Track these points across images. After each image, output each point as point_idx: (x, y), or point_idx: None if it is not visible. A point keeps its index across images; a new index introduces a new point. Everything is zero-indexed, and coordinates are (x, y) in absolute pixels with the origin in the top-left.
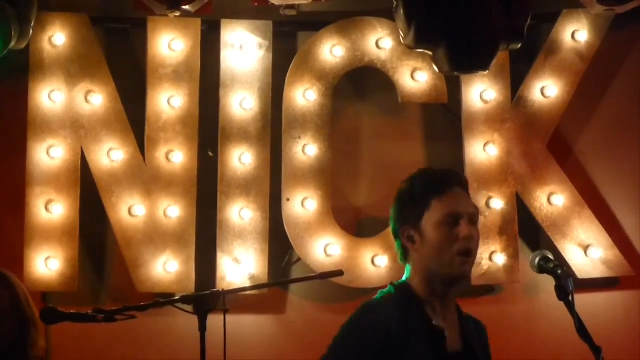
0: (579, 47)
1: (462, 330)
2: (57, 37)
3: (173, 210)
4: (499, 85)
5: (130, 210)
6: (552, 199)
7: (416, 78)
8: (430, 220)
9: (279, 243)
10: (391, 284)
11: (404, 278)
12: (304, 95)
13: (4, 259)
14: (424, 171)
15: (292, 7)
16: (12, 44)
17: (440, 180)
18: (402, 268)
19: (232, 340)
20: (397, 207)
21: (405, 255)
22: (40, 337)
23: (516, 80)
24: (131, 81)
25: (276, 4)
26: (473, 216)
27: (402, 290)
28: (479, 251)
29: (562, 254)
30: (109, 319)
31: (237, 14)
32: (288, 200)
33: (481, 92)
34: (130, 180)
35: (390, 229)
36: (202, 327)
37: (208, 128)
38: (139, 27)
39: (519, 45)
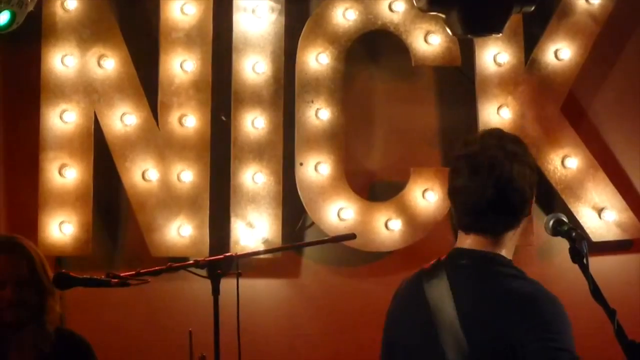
0: (592, 9)
1: None
2: (69, 2)
3: (186, 175)
4: (512, 48)
5: (143, 175)
6: (566, 162)
7: (429, 41)
8: None
9: (292, 207)
10: None
11: None
12: (317, 59)
13: (19, 224)
14: None
15: None
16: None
17: None
18: (417, 231)
19: (245, 304)
20: None
21: None
22: (56, 303)
23: (529, 43)
24: (144, 45)
25: None
26: None
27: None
28: None
29: (576, 216)
30: (122, 283)
31: None
32: (301, 164)
33: (494, 55)
34: (144, 144)
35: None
36: (216, 291)
37: (221, 92)
38: None
39: (532, 8)
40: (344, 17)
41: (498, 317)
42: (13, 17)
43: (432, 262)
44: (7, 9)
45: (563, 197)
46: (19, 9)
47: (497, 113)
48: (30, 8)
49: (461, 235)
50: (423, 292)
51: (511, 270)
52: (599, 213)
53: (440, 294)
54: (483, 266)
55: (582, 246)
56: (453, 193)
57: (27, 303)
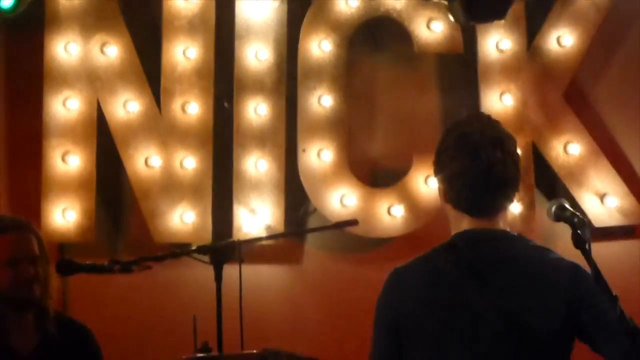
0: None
1: None
2: None
3: (189, 162)
4: (514, 35)
5: (146, 162)
6: (569, 148)
7: (432, 28)
8: None
9: (295, 194)
10: None
11: None
12: (319, 46)
13: (22, 211)
14: None
15: None
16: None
17: None
18: (420, 217)
19: (248, 291)
20: None
21: None
22: (53, 277)
23: (532, 30)
24: (146, 33)
25: None
26: None
27: None
28: None
29: (579, 202)
30: (125, 269)
31: None
32: (304, 151)
33: (497, 42)
34: (147, 131)
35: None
36: (219, 278)
37: (223, 79)
38: None
39: None
40: (347, 4)
41: (548, 286)
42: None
43: (437, 246)
44: None
45: (565, 183)
46: None
47: (499, 100)
48: None
49: (465, 217)
50: (446, 275)
51: (535, 243)
52: (601, 199)
53: (469, 274)
54: (508, 243)
55: (584, 232)
56: (455, 176)
57: (41, 279)
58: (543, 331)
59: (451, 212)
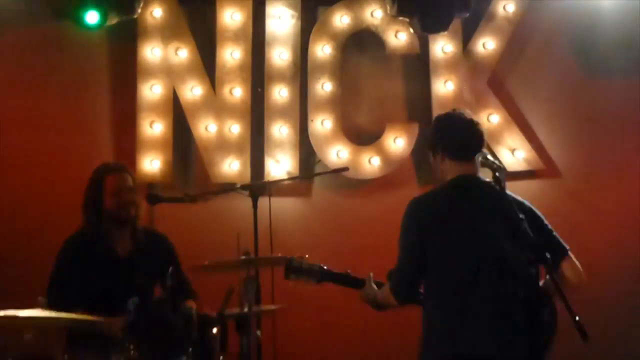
0: (508, 15)
1: None
2: (155, 12)
3: (235, 128)
4: (454, 41)
5: (206, 128)
6: (490, 118)
7: (398, 37)
8: None
9: (306, 150)
10: None
11: None
12: (322, 50)
13: (123, 160)
14: None
15: None
16: (114, 20)
17: None
18: (390, 165)
19: (275, 215)
20: None
21: None
22: (143, 203)
23: (466, 38)
24: (206, 41)
25: None
26: None
27: None
28: None
29: (497, 154)
30: (192, 200)
31: None
32: (312, 121)
33: (442, 46)
34: (206, 107)
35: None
36: (255, 206)
37: (257, 72)
38: (210, 5)
39: (467, 14)
40: (341, 21)
41: (531, 219)
42: (104, 17)
43: (443, 184)
44: (93, 7)
45: (488, 142)
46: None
47: (444, 86)
48: (136, 15)
49: (457, 164)
50: (466, 205)
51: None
52: (512, 152)
53: (479, 208)
54: (484, 183)
55: (501, 174)
56: (461, 136)
57: (135, 204)
58: (519, 243)
59: (446, 164)
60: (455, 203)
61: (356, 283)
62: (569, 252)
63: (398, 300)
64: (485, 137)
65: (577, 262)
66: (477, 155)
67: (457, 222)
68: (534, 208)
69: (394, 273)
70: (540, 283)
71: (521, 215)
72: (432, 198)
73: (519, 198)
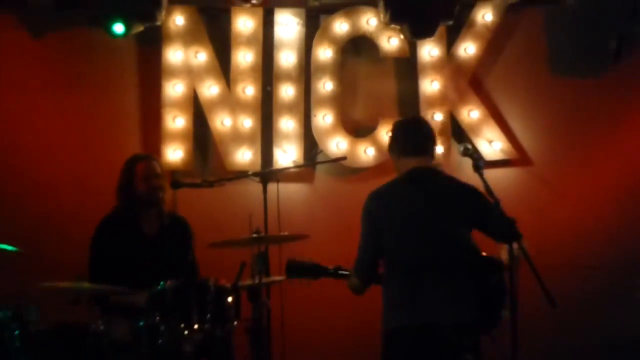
0: (487, 23)
1: None
2: (177, 20)
3: (247, 122)
4: (439, 46)
5: (222, 122)
6: (471, 113)
7: (390, 42)
8: None
9: (309, 141)
10: None
11: None
12: (324, 53)
13: (150, 150)
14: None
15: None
16: (139, 29)
17: None
18: (383, 155)
19: (282, 199)
20: None
21: None
22: (168, 189)
23: (450, 43)
24: (222, 45)
25: None
26: None
27: None
28: (439, 139)
29: (477, 145)
30: (210, 185)
31: (284, 4)
32: (314, 116)
33: (429, 50)
34: (222, 104)
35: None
36: (265, 191)
37: (267, 73)
38: (225, 13)
39: (451, 22)
40: (340, 28)
41: (471, 202)
42: (128, 27)
43: (397, 177)
44: (118, 18)
45: (468, 134)
46: (149, 23)
47: (430, 85)
48: (158, 23)
49: (410, 159)
50: (413, 196)
51: (447, 174)
52: (490, 143)
53: (426, 195)
54: (437, 174)
55: (480, 163)
56: (409, 136)
57: (162, 189)
58: (465, 222)
59: (402, 161)
60: (407, 191)
61: (346, 276)
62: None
63: (361, 282)
64: (435, 135)
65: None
66: (459, 146)
67: (406, 207)
68: (480, 193)
69: (356, 260)
70: (503, 255)
71: (467, 198)
72: (386, 190)
73: (469, 184)
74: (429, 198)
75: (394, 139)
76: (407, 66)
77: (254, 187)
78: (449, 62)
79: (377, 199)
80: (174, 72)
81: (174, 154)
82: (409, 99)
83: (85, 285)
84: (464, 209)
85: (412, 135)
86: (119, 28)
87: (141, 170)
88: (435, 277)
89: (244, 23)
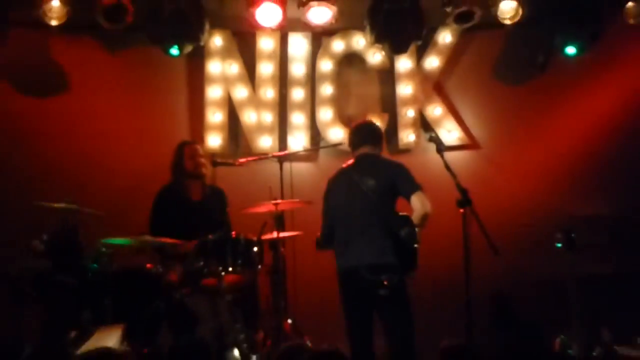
0: (447, 43)
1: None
2: (216, 40)
3: (268, 117)
4: (411, 60)
5: (249, 117)
6: (434, 110)
7: (375, 57)
8: None
9: (314, 130)
10: None
11: None
12: (325, 65)
13: (196, 138)
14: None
15: (320, 26)
16: (189, 49)
17: None
18: None
19: (295, 174)
20: None
21: None
22: (209, 166)
23: (419, 56)
24: (249, 60)
25: (312, 25)
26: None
27: None
28: (411, 130)
29: (439, 134)
30: (240, 164)
31: (295, 29)
32: (318, 112)
33: (403, 63)
34: (249, 103)
35: None
36: (281, 169)
37: (283, 80)
38: (252, 35)
39: (420, 42)
40: (337, 46)
41: (388, 173)
42: (181, 50)
43: (348, 163)
44: (174, 44)
45: (433, 125)
46: (196, 42)
47: (404, 89)
48: (202, 43)
49: (358, 150)
50: (350, 175)
51: (384, 157)
52: (449, 132)
53: (360, 173)
54: (377, 157)
55: (441, 147)
56: (357, 135)
57: (204, 166)
58: (383, 190)
59: (354, 152)
60: (350, 173)
61: None
62: (419, 190)
63: (322, 242)
64: (380, 132)
65: (424, 197)
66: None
67: (344, 185)
68: (404, 168)
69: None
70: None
71: (389, 170)
72: (338, 173)
73: (396, 161)
74: (361, 174)
75: (350, 137)
76: (387, 75)
77: (273, 166)
78: (418, 72)
79: (329, 183)
80: (213, 80)
81: (214, 141)
82: (389, 99)
83: (148, 238)
84: (384, 178)
85: (360, 133)
86: (174, 51)
87: (188, 152)
88: (359, 232)
89: (266, 43)
